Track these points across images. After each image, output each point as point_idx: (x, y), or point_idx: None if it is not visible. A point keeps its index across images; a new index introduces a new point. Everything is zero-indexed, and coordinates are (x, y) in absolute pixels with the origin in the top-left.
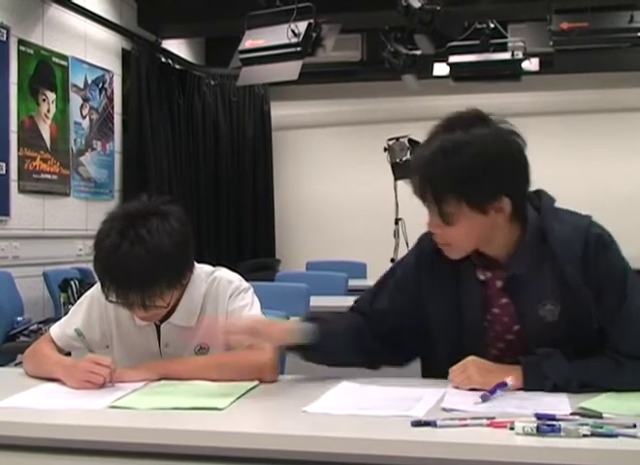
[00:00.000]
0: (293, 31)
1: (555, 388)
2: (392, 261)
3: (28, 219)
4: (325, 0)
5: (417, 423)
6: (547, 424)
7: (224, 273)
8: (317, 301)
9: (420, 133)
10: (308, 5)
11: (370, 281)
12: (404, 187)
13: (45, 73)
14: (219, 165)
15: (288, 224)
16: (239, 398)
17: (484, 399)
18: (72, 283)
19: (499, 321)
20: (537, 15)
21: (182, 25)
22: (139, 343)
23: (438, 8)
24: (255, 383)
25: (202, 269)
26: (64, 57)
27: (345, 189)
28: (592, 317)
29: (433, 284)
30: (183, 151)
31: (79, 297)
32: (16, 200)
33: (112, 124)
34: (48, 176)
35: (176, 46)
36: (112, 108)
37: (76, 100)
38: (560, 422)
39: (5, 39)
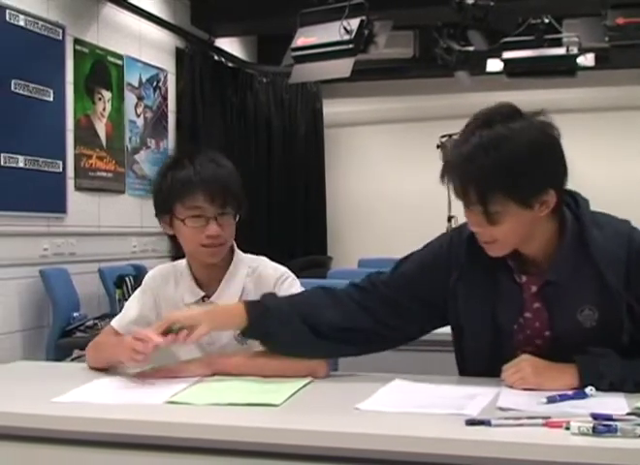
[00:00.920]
0: (345, 28)
1: (611, 388)
2: None
3: (84, 216)
4: None
5: (471, 422)
6: (603, 424)
7: (268, 261)
8: None
9: None
10: (361, 2)
11: None
12: None
13: (100, 72)
14: (271, 162)
15: (340, 221)
16: (293, 395)
17: (550, 401)
18: (126, 279)
19: (531, 325)
20: (592, 9)
21: (235, 23)
22: None
23: (492, 3)
24: (309, 379)
25: (246, 255)
26: (119, 56)
27: (397, 186)
28: (624, 327)
29: (467, 283)
30: (236, 149)
31: (133, 293)
32: (73, 197)
33: (166, 122)
34: (104, 174)
35: (229, 45)
36: (166, 106)
37: (130, 98)
38: (616, 422)
39: (61, 38)
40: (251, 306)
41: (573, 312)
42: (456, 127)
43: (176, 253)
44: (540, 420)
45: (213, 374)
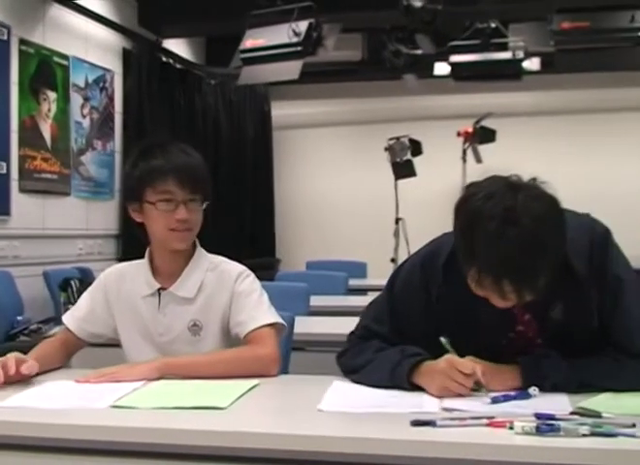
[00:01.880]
0: (294, 30)
1: (555, 388)
2: (392, 260)
3: (29, 218)
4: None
5: (417, 423)
6: (546, 424)
7: (229, 260)
8: (317, 301)
9: (420, 132)
10: (309, 4)
11: (370, 280)
12: (405, 187)
13: (45, 72)
14: (219, 164)
15: (288, 223)
16: (240, 397)
17: (494, 401)
18: (72, 282)
19: (523, 337)
20: (538, 14)
21: (183, 24)
22: (142, 313)
23: (439, 7)
24: (255, 382)
25: (207, 253)
26: (65, 57)
27: (345, 189)
28: (593, 315)
29: (445, 307)
30: None
31: (79, 297)
32: (17, 199)
33: (113, 123)
34: (49, 176)
35: (177, 46)
36: (113, 107)
37: (76, 99)
38: (559, 422)
39: (6, 38)
40: None
41: (549, 310)
42: (404, 129)
43: (123, 255)
44: (484, 421)
45: (159, 377)
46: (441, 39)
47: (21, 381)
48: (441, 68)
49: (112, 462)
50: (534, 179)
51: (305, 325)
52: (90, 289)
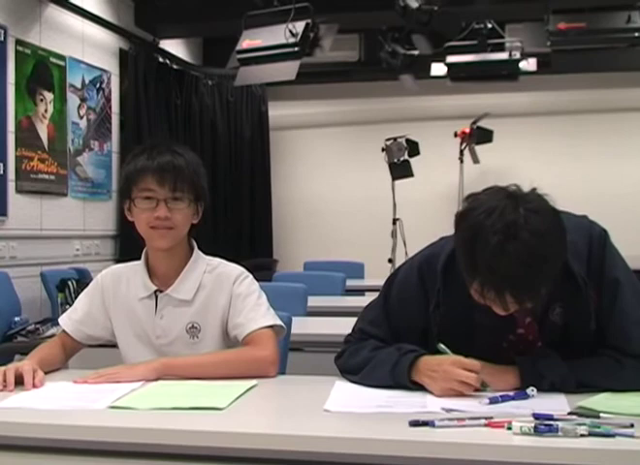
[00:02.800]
0: (290, 31)
1: (552, 388)
2: (389, 261)
3: (25, 219)
4: (323, 0)
5: (415, 423)
6: (544, 424)
7: (227, 262)
8: (315, 301)
9: (417, 133)
10: (306, 5)
11: (368, 281)
12: (402, 187)
13: (42, 73)
14: (217, 164)
15: (286, 224)
16: (238, 398)
17: (492, 401)
18: (69, 283)
19: (524, 340)
20: (535, 15)
21: (180, 25)
22: (139, 315)
23: (436, 8)
24: (254, 382)
25: (205, 255)
26: (61, 57)
27: (343, 189)
28: (592, 316)
29: (446, 312)
30: None
31: (76, 297)
32: (14, 200)
33: (110, 124)
34: (46, 176)
35: (174, 47)
36: (110, 108)
37: (73, 100)
38: (557, 422)
39: (2, 39)
40: None
41: (549, 313)
42: (401, 130)
43: (121, 256)
44: (483, 421)
45: (157, 378)
46: (438, 39)
47: (20, 382)
48: (438, 68)
49: (111, 463)
50: (534, 189)
51: (303, 326)
52: (87, 291)
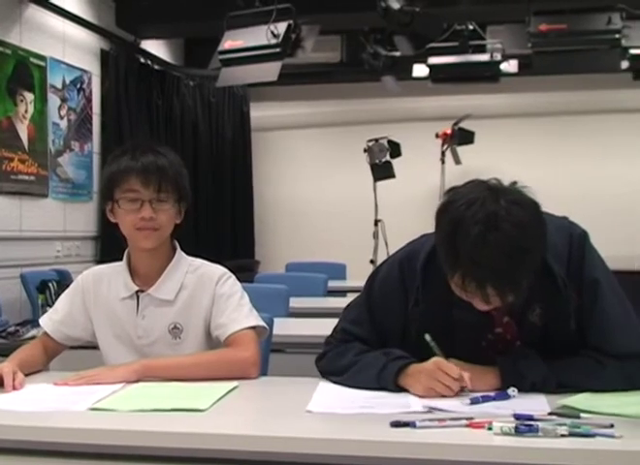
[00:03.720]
0: (272, 32)
1: (533, 388)
2: (371, 262)
3: (5, 220)
4: (304, 1)
5: (396, 424)
6: (525, 424)
7: (209, 262)
8: (297, 303)
9: (399, 134)
10: (288, 6)
11: (350, 282)
12: (384, 188)
13: (22, 73)
14: (198, 165)
15: (268, 225)
16: (219, 399)
17: (473, 402)
18: (50, 284)
19: (502, 339)
20: (516, 16)
21: (161, 26)
22: (120, 316)
23: (417, 9)
24: (235, 384)
25: (187, 256)
26: (42, 58)
27: (325, 190)
28: (572, 317)
29: (425, 309)
30: None
31: (57, 299)
32: None
33: (91, 125)
34: (26, 177)
35: (155, 47)
36: (91, 108)
37: (54, 100)
38: (537, 423)
39: None
40: None
41: (528, 313)
42: (382, 131)
43: (102, 257)
44: (464, 421)
45: (138, 380)
46: (420, 41)
47: (0, 384)
48: (420, 70)
49: None
50: (514, 183)
51: (285, 327)
52: (67, 291)
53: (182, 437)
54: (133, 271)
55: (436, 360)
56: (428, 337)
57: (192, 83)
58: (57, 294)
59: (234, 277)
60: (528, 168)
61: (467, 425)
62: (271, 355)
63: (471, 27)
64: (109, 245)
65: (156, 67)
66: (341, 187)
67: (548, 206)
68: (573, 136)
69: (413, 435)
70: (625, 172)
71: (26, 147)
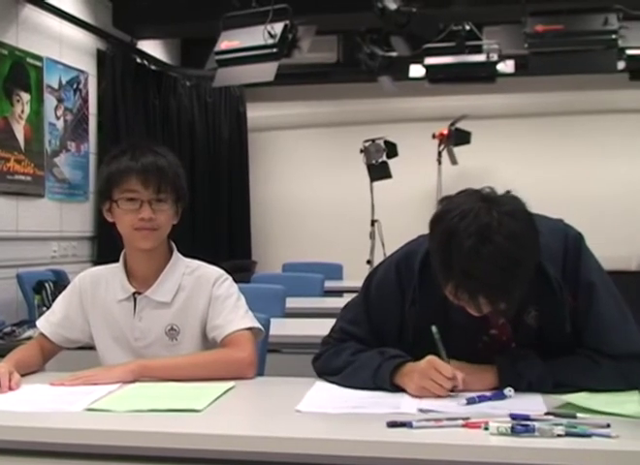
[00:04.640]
0: (269, 32)
1: (530, 388)
2: (368, 262)
3: (2, 220)
4: (301, 1)
5: (393, 424)
6: (521, 424)
7: (206, 264)
8: (293, 303)
9: (396, 134)
10: (284, 6)
11: (346, 282)
12: (380, 189)
13: (19, 73)
14: (195, 166)
15: (264, 225)
16: (215, 400)
17: (470, 402)
18: (46, 285)
19: (498, 341)
20: (512, 17)
21: (158, 26)
22: (117, 318)
23: (414, 10)
24: (231, 384)
25: (184, 257)
26: (38, 58)
27: (321, 190)
28: (567, 319)
29: (421, 310)
30: None
31: (53, 299)
32: None
33: (87, 125)
34: (22, 177)
35: (152, 47)
36: (87, 108)
37: (50, 101)
38: (534, 422)
39: None
40: None
41: (523, 315)
42: (379, 132)
43: (98, 257)
44: (460, 421)
45: (134, 380)
46: (416, 41)
47: None
48: (416, 70)
49: None
50: (508, 192)
51: (281, 327)
52: (65, 293)
53: (178, 437)
54: (130, 273)
55: (430, 359)
56: (434, 329)
57: (189, 84)
58: (54, 295)
59: (230, 279)
60: (525, 168)
61: (464, 425)
62: (267, 355)
63: (468, 28)
64: (105, 245)
65: (153, 67)
66: (338, 187)
67: (544, 207)
68: (569, 136)
69: (409, 435)
70: (622, 173)
71: (22, 148)
